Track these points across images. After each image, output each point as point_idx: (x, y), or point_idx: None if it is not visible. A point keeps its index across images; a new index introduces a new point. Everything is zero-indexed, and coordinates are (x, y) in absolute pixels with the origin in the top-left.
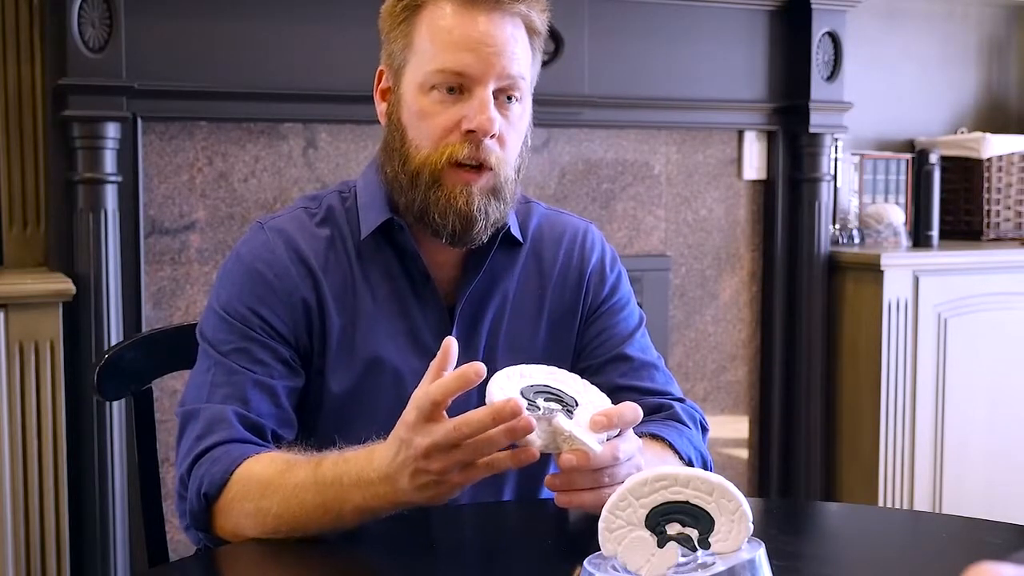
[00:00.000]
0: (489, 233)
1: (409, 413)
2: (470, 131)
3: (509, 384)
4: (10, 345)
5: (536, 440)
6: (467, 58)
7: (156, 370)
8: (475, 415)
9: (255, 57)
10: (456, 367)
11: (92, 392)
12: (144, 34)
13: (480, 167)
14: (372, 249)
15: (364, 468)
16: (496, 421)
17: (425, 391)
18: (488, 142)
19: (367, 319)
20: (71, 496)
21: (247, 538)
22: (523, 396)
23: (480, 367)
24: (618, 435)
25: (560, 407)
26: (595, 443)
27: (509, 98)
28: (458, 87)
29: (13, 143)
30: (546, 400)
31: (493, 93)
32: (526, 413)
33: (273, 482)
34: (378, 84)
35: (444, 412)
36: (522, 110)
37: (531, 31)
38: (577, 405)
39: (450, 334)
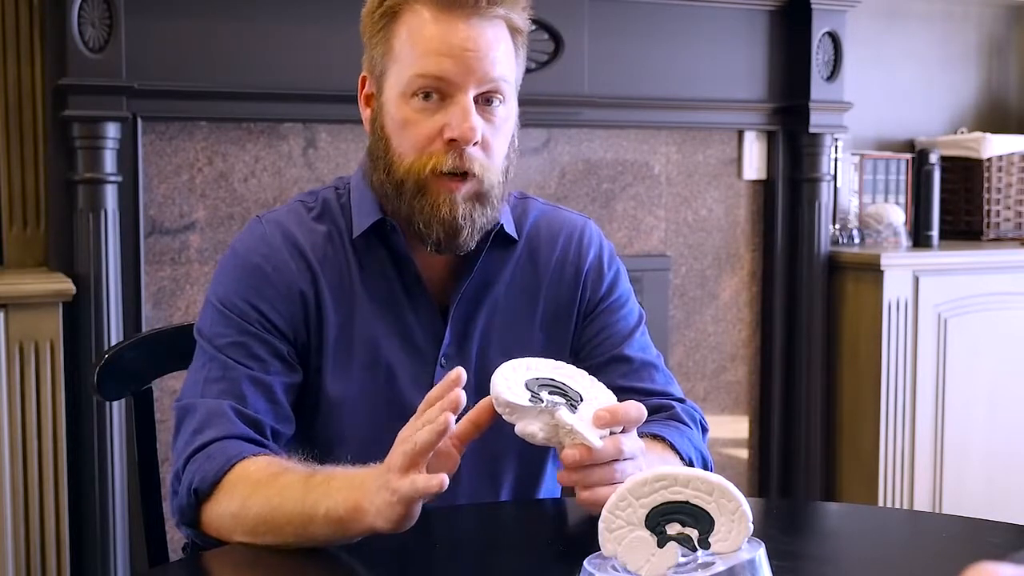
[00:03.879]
0: (476, 240)
1: (396, 454)
2: (452, 140)
3: (514, 376)
4: (10, 345)
5: (538, 433)
6: (447, 63)
7: (156, 370)
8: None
9: (255, 57)
10: (450, 368)
11: (92, 392)
12: (144, 34)
13: (464, 175)
14: (366, 248)
15: (353, 474)
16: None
17: (407, 443)
18: (471, 150)
19: (363, 316)
20: (71, 496)
21: (229, 539)
22: (527, 388)
23: (448, 419)
24: (622, 432)
25: (564, 401)
26: (596, 438)
27: (491, 101)
28: (439, 93)
29: (13, 143)
30: (550, 393)
31: (475, 97)
32: (528, 404)
33: (264, 481)
34: (362, 90)
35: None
36: (507, 112)
37: (513, 31)
38: (581, 400)
39: (443, 336)
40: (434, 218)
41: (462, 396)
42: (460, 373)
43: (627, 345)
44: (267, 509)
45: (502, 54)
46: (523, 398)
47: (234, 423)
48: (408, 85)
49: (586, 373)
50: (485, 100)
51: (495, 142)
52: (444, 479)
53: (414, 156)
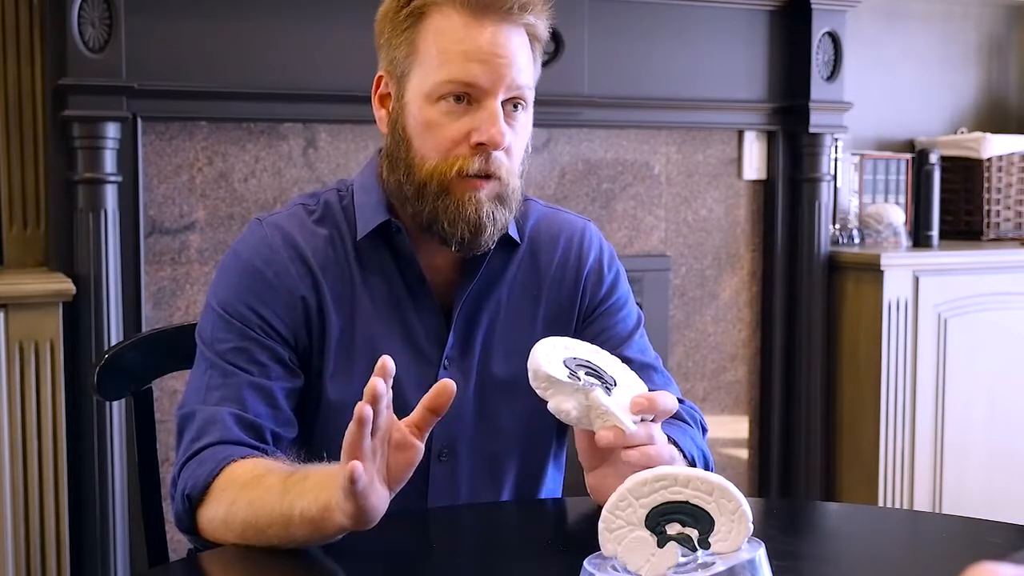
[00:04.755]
0: (496, 239)
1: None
2: (480, 144)
3: (554, 352)
4: (10, 345)
5: (572, 412)
6: (477, 69)
7: (156, 370)
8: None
9: (255, 57)
10: (453, 370)
11: (92, 392)
12: (144, 34)
13: (488, 176)
14: (369, 250)
15: (324, 473)
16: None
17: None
18: (497, 154)
19: (365, 320)
20: (71, 496)
21: (224, 544)
22: (565, 366)
23: (363, 411)
24: (652, 421)
25: (600, 383)
26: (630, 422)
27: (516, 107)
28: (466, 97)
29: (13, 143)
30: (587, 374)
31: (501, 103)
32: (567, 380)
33: (248, 484)
34: (376, 90)
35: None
36: (527, 119)
37: (534, 39)
38: (615, 385)
39: (446, 338)
40: (459, 217)
41: (380, 386)
42: (386, 361)
43: (626, 347)
44: (250, 513)
45: (525, 61)
46: (562, 374)
47: (230, 428)
48: (436, 89)
49: (619, 360)
50: (509, 105)
51: (516, 147)
52: (352, 466)
53: (439, 159)
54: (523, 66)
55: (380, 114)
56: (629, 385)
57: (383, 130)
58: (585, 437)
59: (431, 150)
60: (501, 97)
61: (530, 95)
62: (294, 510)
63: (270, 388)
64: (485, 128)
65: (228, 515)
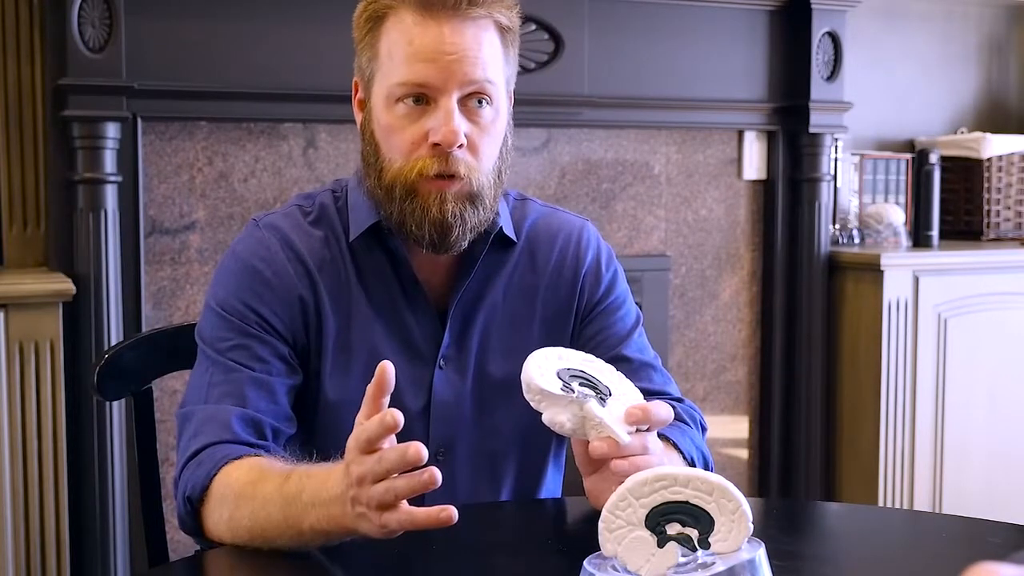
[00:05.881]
0: (468, 239)
1: (351, 440)
2: (436, 144)
3: (547, 364)
4: (10, 345)
5: (566, 424)
6: (427, 69)
7: (156, 370)
8: (392, 452)
9: (255, 57)
10: (449, 369)
11: (92, 392)
12: (144, 34)
13: (452, 177)
14: (363, 251)
15: (320, 488)
16: (403, 464)
17: (358, 430)
18: (457, 152)
19: (362, 320)
20: (71, 496)
21: (233, 544)
22: (559, 377)
23: (397, 416)
24: (647, 431)
25: (594, 394)
26: (624, 433)
27: (480, 102)
28: (423, 98)
29: (13, 143)
30: (581, 385)
31: (461, 99)
32: (560, 393)
33: (245, 493)
34: (355, 95)
35: (381, 444)
36: (495, 113)
37: (501, 29)
38: (610, 395)
39: (442, 337)
40: (425, 218)
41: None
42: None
43: (625, 346)
44: (255, 524)
45: (487, 55)
46: (555, 387)
47: (227, 426)
48: (392, 91)
49: (614, 369)
50: (472, 101)
51: (482, 143)
52: (453, 513)
53: (401, 161)
54: (480, 59)
55: (358, 119)
56: (624, 394)
57: (360, 135)
58: (581, 444)
59: (395, 153)
60: (456, 95)
61: (493, 88)
62: (302, 524)
63: (271, 384)
64: (438, 127)
65: (231, 523)
